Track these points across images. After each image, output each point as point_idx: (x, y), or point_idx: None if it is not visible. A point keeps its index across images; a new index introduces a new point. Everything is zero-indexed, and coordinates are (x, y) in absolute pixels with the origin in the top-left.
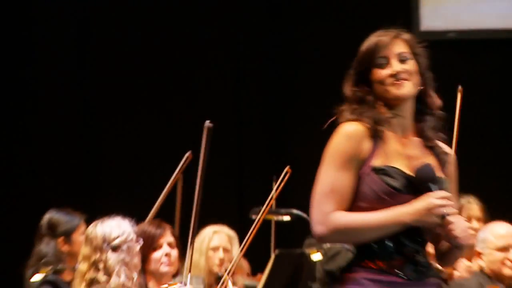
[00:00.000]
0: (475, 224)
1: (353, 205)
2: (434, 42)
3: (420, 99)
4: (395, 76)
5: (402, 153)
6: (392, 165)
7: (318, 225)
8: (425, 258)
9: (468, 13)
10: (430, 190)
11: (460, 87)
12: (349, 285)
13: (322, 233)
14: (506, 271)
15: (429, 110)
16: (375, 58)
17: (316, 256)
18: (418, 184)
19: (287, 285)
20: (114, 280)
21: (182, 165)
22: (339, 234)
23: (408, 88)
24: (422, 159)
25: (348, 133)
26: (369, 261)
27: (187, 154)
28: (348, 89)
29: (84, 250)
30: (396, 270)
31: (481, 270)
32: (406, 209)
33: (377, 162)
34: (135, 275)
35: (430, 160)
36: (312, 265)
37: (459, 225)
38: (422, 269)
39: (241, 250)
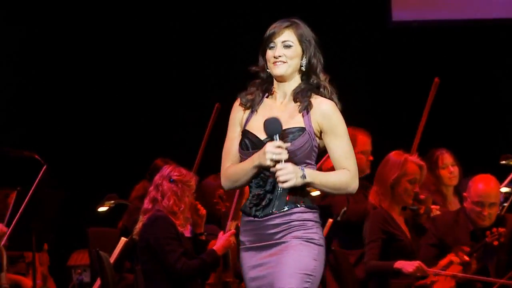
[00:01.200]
0: (451, 169)
1: None
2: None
3: (308, 72)
4: (275, 57)
5: (269, 116)
6: (248, 129)
7: (221, 177)
8: (274, 200)
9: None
10: (272, 140)
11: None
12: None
13: (222, 184)
14: (481, 222)
15: (312, 80)
16: (268, 42)
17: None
18: (267, 136)
19: None
20: (165, 201)
21: None
22: (228, 181)
23: (283, 69)
24: (286, 121)
25: (234, 105)
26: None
27: None
28: (253, 68)
29: (156, 177)
30: (249, 211)
31: (465, 211)
32: (255, 154)
33: (246, 127)
34: (182, 207)
35: (294, 117)
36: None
37: (283, 171)
38: (266, 208)
39: None
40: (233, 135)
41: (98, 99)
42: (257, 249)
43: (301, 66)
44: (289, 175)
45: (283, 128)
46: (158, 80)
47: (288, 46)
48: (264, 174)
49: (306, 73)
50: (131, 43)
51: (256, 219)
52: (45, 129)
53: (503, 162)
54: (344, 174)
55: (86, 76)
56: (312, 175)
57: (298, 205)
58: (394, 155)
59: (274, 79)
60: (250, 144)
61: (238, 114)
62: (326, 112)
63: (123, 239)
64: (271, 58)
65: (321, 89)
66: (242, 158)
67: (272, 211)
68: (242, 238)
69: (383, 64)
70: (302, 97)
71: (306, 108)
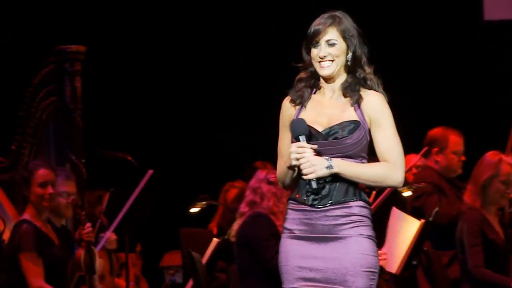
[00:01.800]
0: None
1: None
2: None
3: (354, 66)
4: (321, 58)
5: (321, 113)
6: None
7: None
8: (332, 190)
9: None
10: (298, 140)
11: None
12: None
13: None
14: None
15: (358, 74)
16: (312, 40)
17: (407, 193)
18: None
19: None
20: (265, 202)
21: None
22: (280, 182)
23: (331, 69)
24: (339, 115)
25: (282, 105)
26: (292, 194)
27: None
28: (299, 65)
29: (252, 181)
30: (304, 199)
31: None
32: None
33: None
34: (281, 208)
35: (347, 111)
36: (403, 200)
37: (307, 163)
38: (325, 199)
39: None
40: (283, 135)
41: (192, 99)
42: (310, 240)
43: (347, 61)
44: (312, 167)
45: (338, 122)
46: (253, 82)
47: (333, 45)
48: None
49: (352, 67)
50: (228, 46)
51: (312, 208)
52: (137, 130)
53: None
54: (382, 166)
55: (180, 76)
56: (341, 165)
57: (355, 198)
58: (489, 155)
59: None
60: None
61: (287, 113)
62: (374, 103)
63: (215, 240)
64: (316, 57)
65: (368, 82)
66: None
67: (331, 201)
68: (289, 226)
69: (475, 63)
70: (352, 91)
71: (357, 102)
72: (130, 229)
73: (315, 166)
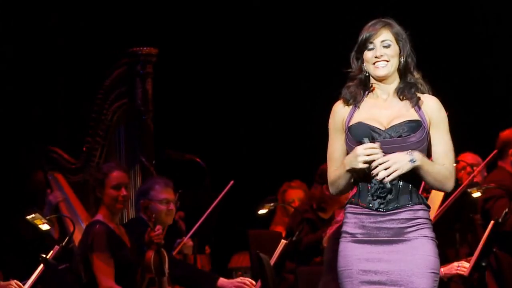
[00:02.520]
0: None
1: None
2: None
3: (405, 71)
4: (377, 57)
5: (378, 113)
6: (361, 121)
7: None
8: (398, 194)
9: None
10: (363, 143)
11: None
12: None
13: (329, 189)
14: None
15: (409, 79)
16: (366, 44)
17: (476, 194)
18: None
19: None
20: None
21: None
22: (332, 187)
23: (387, 69)
24: (399, 115)
25: (333, 109)
26: (352, 198)
27: None
28: (350, 71)
29: None
30: (369, 203)
31: None
32: (346, 158)
33: (351, 123)
34: None
35: (409, 110)
36: (473, 201)
37: (388, 162)
38: (392, 203)
39: None
40: (336, 140)
41: (257, 101)
42: (373, 243)
43: (399, 64)
44: (395, 164)
45: (400, 121)
46: (319, 84)
47: (388, 46)
48: None
49: (403, 71)
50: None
51: (378, 212)
52: (206, 132)
53: None
54: (444, 169)
55: (248, 76)
56: (421, 158)
57: (419, 202)
58: None
59: (372, 79)
60: (369, 133)
61: (339, 115)
62: (435, 106)
63: (283, 241)
64: (372, 58)
65: (420, 86)
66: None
67: (397, 205)
68: (350, 230)
69: None
70: (409, 93)
71: (417, 104)
72: (200, 232)
73: (399, 163)
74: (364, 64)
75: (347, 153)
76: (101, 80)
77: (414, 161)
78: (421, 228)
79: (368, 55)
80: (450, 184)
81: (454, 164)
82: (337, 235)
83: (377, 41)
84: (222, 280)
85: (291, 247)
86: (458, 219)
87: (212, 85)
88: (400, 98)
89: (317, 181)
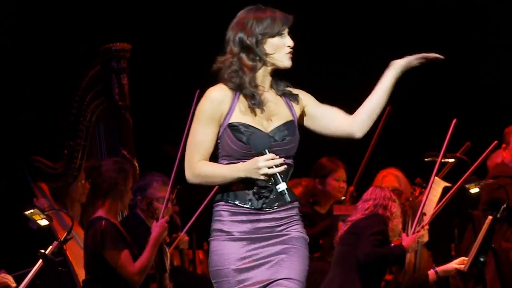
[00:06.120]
0: None
1: (221, 155)
2: None
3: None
4: (291, 47)
5: (259, 112)
6: (243, 122)
7: (187, 170)
8: (275, 193)
9: None
10: (263, 154)
11: None
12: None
13: (188, 177)
14: None
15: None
16: (280, 29)
17: (474, 190)
18: (254, 150)
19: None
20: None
21: None
22: (199, 178)
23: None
24: (276, 114)
25: (211, 95)
26: (227, 197)
27: None
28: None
29: (377, 196)
30: (251, 202)
31: None
32: (242, 167)
33: (233, 119)
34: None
35: (281, 110)
36: (471, 196)
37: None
38: (274, 202)
39: None
40: (210, 130)
41: None
42: (251, 241)
43: None
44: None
45: (281, 123)
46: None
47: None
48: None
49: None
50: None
51: (259, 211)
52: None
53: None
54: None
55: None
56: None
57: (295, 198)
58: None
59: (263, 70)
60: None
61: (218, 106)
62: (304, 97)
63: None
64: (286, 48)
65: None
66: (241, 152)
67: (278, 204)
68: (226, 228)
69: None
70: (283, 87)
71: (290, 99)
72: (197, 227)
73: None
74: (268, 51)
75: (215, 145)
76: (73, 82)
77: None
78: (295, 224)
79: (281, 42)
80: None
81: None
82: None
83: (286, 31)
84: None
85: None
86: (457, 214)
87: (188, 76)
88: (277, 93)
89: (311, 175)
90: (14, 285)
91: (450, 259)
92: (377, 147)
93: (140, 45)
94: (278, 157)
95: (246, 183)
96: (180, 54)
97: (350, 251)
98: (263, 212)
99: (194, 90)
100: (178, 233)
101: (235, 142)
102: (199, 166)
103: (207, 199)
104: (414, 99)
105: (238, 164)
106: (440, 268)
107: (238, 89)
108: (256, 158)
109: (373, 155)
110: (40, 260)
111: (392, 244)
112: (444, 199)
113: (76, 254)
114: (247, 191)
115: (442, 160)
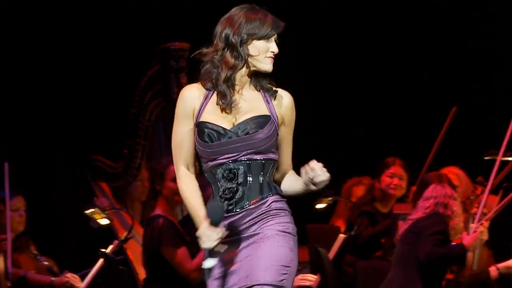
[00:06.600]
0: None
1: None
2: None
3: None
4: (273, 53)
5: (228, 109)
6: (208, 121)
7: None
8: (246, 191)
9: None
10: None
11: None
12: None
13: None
14: None
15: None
16: (269, 34)
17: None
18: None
19: None
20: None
21: None
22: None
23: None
24: (249, 110)
25: (185, 93)
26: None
27: None
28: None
29: (438, 193)
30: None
31: None
32: (198, 220)
33: (201, 118)
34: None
35: (256, 105)
36: None
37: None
38: (241, 202)
39: None
40: (185, 127)
41: (319, 89)
42: (228, 243)
43: None
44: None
45: (249, 117)
46: (398, 78)
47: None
48: (233, 167)
49: None
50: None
51: (228, 213)
52: None
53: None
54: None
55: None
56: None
57: (271, 193)
58: None
59: (242, 71)
60: (216, 135)
61: (190, 103)
62: (289, 105)
63: (341, 236)
64: (269, 52)
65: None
66: (205, 151)
67: (247, 203)
68: None
69: None
70: (264, 84)
71: (271, 96)
72: None
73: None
74: (251, 52)
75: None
76: (133, 82)
77: None
78: (269, 220)
79: (265, 45)
80: None
81: None
82: None
83: (275, 36)
84: None
85: (350, 241)
86: None
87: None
88: (256, 89)
89: (377, 176)
90: (80, 285)
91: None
92: (442, 146)
93: (199, 44)
94: (223, 232)
95: (216, 185)
96: None
97: (411, 250)
98: (234, 213)
99: None
100: None
101: (200, 142)
102: (180, 178)
103: None
104: (477, 98)
105: (200, 217)
106: (502, 265)
107: (212, 86)
108: (204, 228)
109: (437, 154)
110: (101, 259)
111: (453, 243)
112: (507, 198)
113: (136, 253)
114: (217, 194)
115: (502, 159)
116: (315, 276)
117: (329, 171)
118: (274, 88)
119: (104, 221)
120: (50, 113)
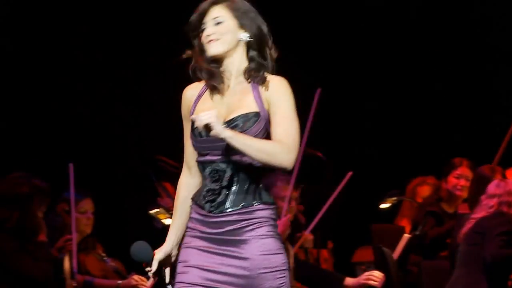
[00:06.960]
0: None
1: None
2: None
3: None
4: (209, 36)
5: (218, 102)
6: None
7: None
8: (229, 195)
9: None
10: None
11: None
12: None
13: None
14: None
15: (257, 57)
16: (201, 26)
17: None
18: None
19: None
20: None
21: None
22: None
23: (218, 47)
24: (238, 107)
25: (183, 94)
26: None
27: None
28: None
29: (501, 192)
30: (202, 206)
31: None
32: (167, 238)
33: (194, 113)
34: None
35: (245, 100)
36: None
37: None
38: (221, 205)
39: None
40: (185, 130)
41: (382, 88)
42: (209, 241)
43: (239, 40)
44: (211, 118)
45: (238, 115)
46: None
47: (219, 22)
48: (220, 167)
49: (248, 49)
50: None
51: (210, 214)
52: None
53: None
54: (273, 144)
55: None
56: (233, 132)
57: (255, 202)
58: None
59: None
60: (205, 131)
61: (185, 105)
62: (275, 87)
63: (405, 236)
64: (205, 38)
65: (268, 65)
66: (198, 147)
67: (227, 207)
68: (191, 225)
69: None
70: (257, 75)
71: (262, 87)
72: (322, 226)
73: (213, 118)
74: (203, 42)
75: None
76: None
77: (224, 132)
78: (256, 228)
79: (203, 35)
80: (285, 159)
81: (297, 142)
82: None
83: (209, 19)
84: (348, 279)
85: (416, 241)
86: None
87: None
88: (247, 80)
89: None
90: (147, 286)
91: None
92: (509, 147)
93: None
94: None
95: (203, 183)
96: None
97: (476, 251)
98: (212, 215)
99: (314, 88)
100: (302, 232)
101: (191, 136)
102: (179, 184)
103: (332, 197)
104: None
105: (169, 237)
106: None
107: (206, 81)
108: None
109: (504, 154)
110: None
111: None
112: None
113: None
114: (202, 193)
115: None
116: (381, 274)
117: (394, 171)
118: (266, 77)
119: (169, 221)
120: (115, 114)
